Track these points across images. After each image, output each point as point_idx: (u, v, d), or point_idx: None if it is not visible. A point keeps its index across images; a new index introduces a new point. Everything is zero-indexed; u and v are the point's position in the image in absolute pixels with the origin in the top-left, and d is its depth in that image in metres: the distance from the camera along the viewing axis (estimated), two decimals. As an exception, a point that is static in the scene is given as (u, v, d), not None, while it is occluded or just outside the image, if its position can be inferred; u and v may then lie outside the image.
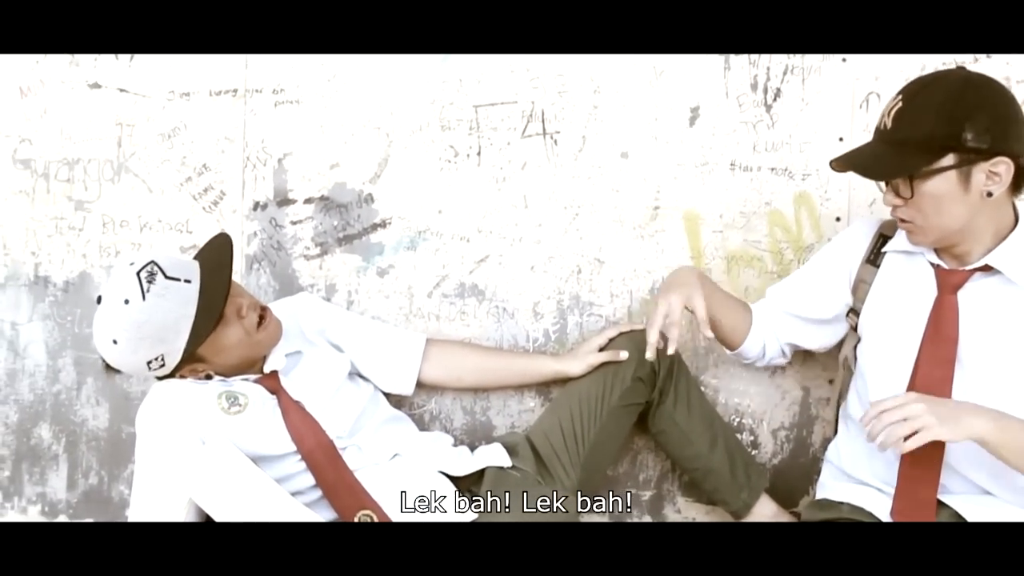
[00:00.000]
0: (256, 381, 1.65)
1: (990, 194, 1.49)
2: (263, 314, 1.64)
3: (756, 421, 1.99)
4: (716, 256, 1.95)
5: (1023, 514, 1.60)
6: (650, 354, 1.60)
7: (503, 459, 1.76)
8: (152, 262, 1.55)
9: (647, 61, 1.91)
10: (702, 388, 1.96)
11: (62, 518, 2.02)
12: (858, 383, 1.70)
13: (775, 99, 1.94)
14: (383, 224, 1.94)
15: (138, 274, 1.53)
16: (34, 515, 2.03)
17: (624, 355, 1.77)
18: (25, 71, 1.98)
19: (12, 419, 2.04)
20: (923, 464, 1.59)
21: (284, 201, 1.94)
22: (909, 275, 1.63)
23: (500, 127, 1.92)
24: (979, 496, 1.60)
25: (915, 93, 1.48)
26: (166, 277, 1.53)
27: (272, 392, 1.65)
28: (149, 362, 1.56)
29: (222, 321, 1.58)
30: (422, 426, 1.95)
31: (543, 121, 1.92)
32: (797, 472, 1.90)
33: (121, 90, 1.96)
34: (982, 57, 1.85)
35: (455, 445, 1.84)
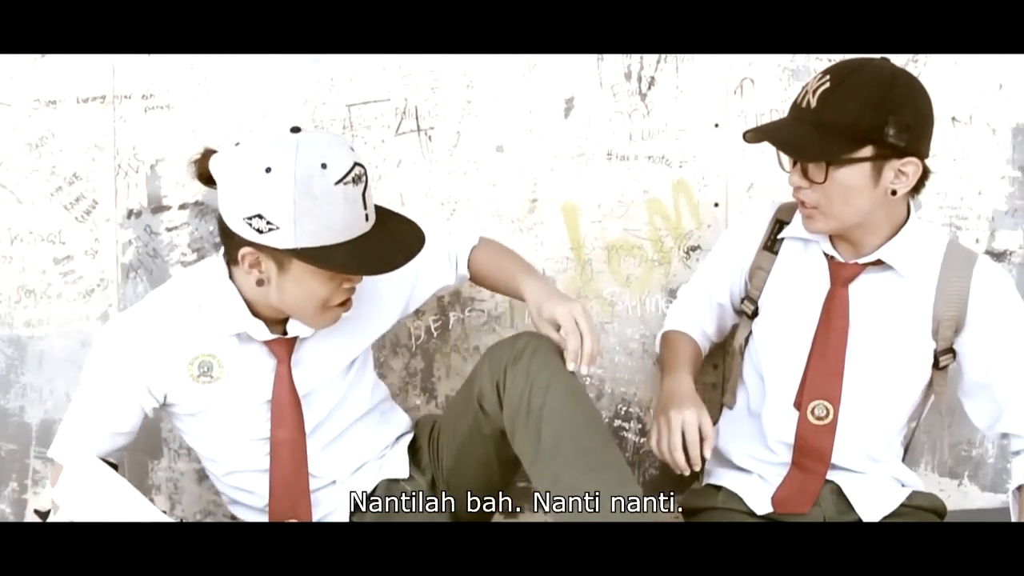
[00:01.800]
0: (267, 342, 1.49)
1: (894, 192, 1.51)
2: (348, 300, 1.46)
3: (644, 409, 2.00)
4: (596, 247, 1.96)
5: (895, 488, 1.64)
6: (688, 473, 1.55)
7: (400, 470, 1.64)
8: (366, 174, 1.36)
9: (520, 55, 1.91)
10: (587, 378, 1.96)
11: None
12: (750, 371, 1.71)
13: (649, 88, 1.95)
14: (260, 227, 1.92)
15: (356, 164, 1.33)
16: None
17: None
18: None
19: None
20: (815, 457, 1.62)
21: (158, 208, 1.91)
22: (805, 264, 1.64)
23: (374, 125, 1.90)
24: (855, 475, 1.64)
25: (844, 77, 1.47)
26: (363, 197, 1.34)
27: (276, 357, 1.50)
28: (258, 216, 1.31)
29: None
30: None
31: (417, 118, 1.91)
32: (685, 458, 1.91)
33: (-15, 100, 1.92)
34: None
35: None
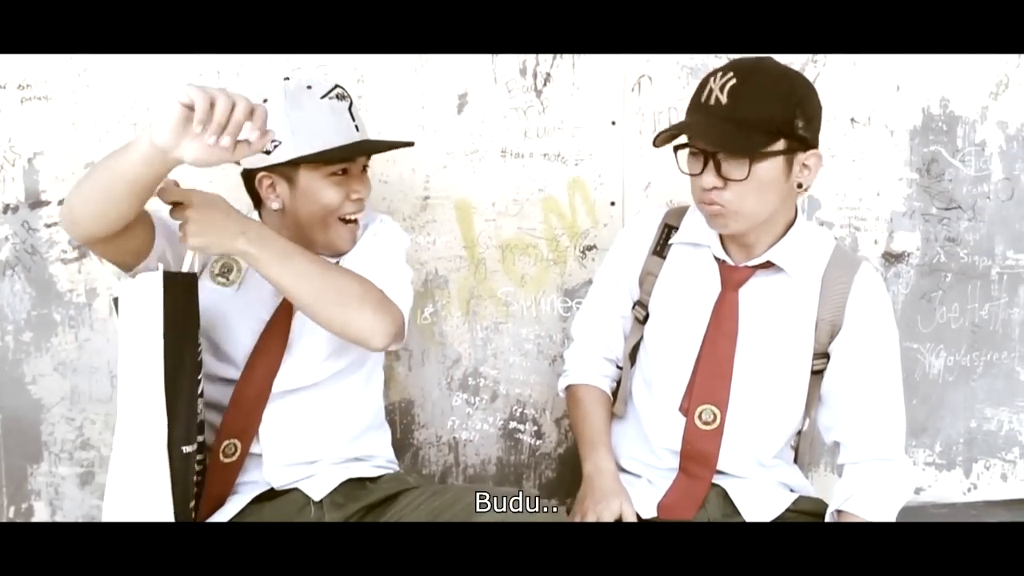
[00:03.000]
0: None
1: (800, 185, 1.50)
2: (356, 218, 1.58)
3: (539, 411, 1.97)
4: (490, 245, 1.93)
5: (781, 493, 1.63)
6: None
7: (315, 491, 1.57)
8: (349, 96, 1.57)
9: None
10: (481, 379, 1.93)
11: None
12: (639, 374, 1.69)
13: (545, 84, 1.92)
14: (143, 224, 1.86)
15: (337, 86, 1.56)
16: None
17: None
18: None
19: None
20: (701, 462, 1.59)
21: (37, 203, 1.84)
22: (694, 268, 1.62)
23: (261, 120, 1.85)
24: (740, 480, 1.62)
25: (749, 71, 1.45)
26: (349, 111, 1.56)
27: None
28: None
29: (332, 175, 1.53)
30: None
31: (306, 112, 1.86)
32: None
33: None
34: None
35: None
